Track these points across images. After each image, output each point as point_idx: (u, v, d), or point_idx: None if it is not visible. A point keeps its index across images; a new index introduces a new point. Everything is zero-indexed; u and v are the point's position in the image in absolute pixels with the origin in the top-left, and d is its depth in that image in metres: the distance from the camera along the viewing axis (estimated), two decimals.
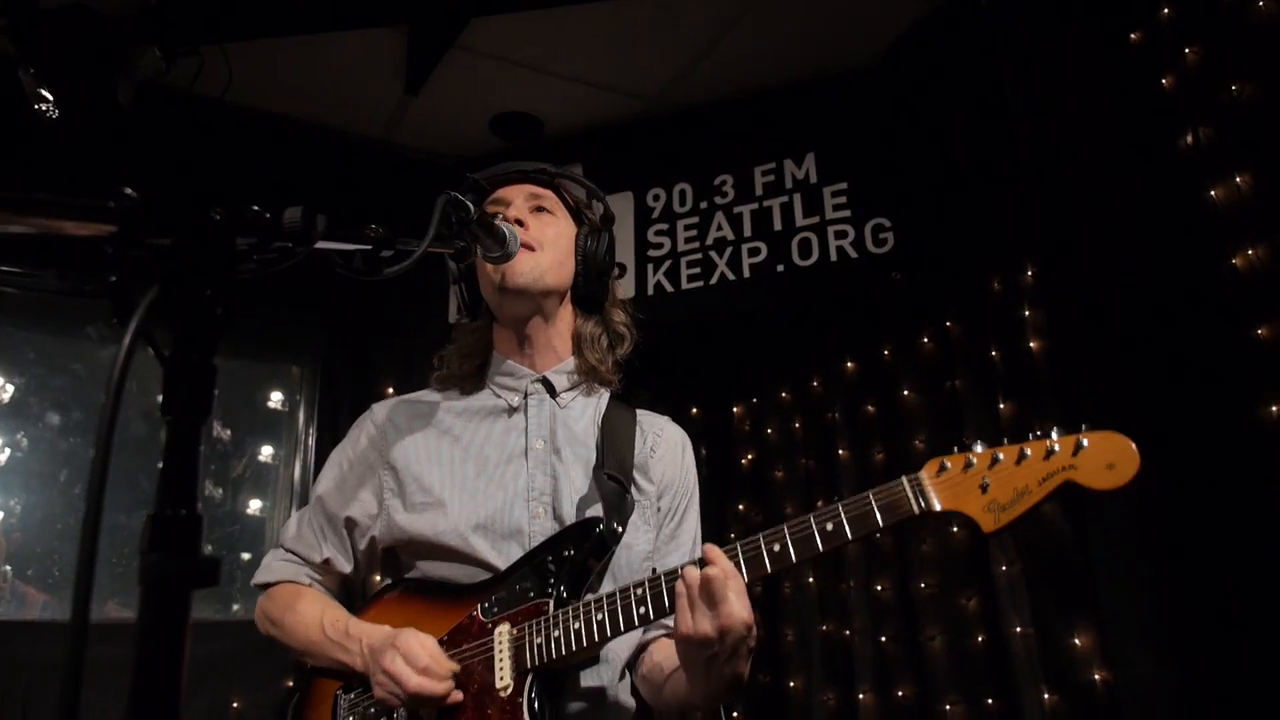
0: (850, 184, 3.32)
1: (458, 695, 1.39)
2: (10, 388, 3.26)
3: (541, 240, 1.62)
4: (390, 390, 3.69)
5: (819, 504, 3.44)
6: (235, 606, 3.46)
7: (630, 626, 1.34)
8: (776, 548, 1.27)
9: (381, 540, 1.61)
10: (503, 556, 1.50)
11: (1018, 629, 2.56)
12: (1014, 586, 2.59)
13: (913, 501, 1.21)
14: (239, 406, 3.69)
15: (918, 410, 3.06)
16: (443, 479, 1.56)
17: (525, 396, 1.62)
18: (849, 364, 3.39)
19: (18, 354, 3.29)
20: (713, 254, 3.46)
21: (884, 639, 3.04)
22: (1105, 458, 1.14)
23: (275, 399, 3.77)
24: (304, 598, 1.61)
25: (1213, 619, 2.18)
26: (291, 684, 3.05)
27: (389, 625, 1.51)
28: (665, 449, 1.66)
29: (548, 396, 1.63)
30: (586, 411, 1.65)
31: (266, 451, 3.72)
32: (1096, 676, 2.36)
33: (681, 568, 1.29)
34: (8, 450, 3.22)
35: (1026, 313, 2.68)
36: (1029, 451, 1.17)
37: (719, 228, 3.50)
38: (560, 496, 1.54)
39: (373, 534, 1.61)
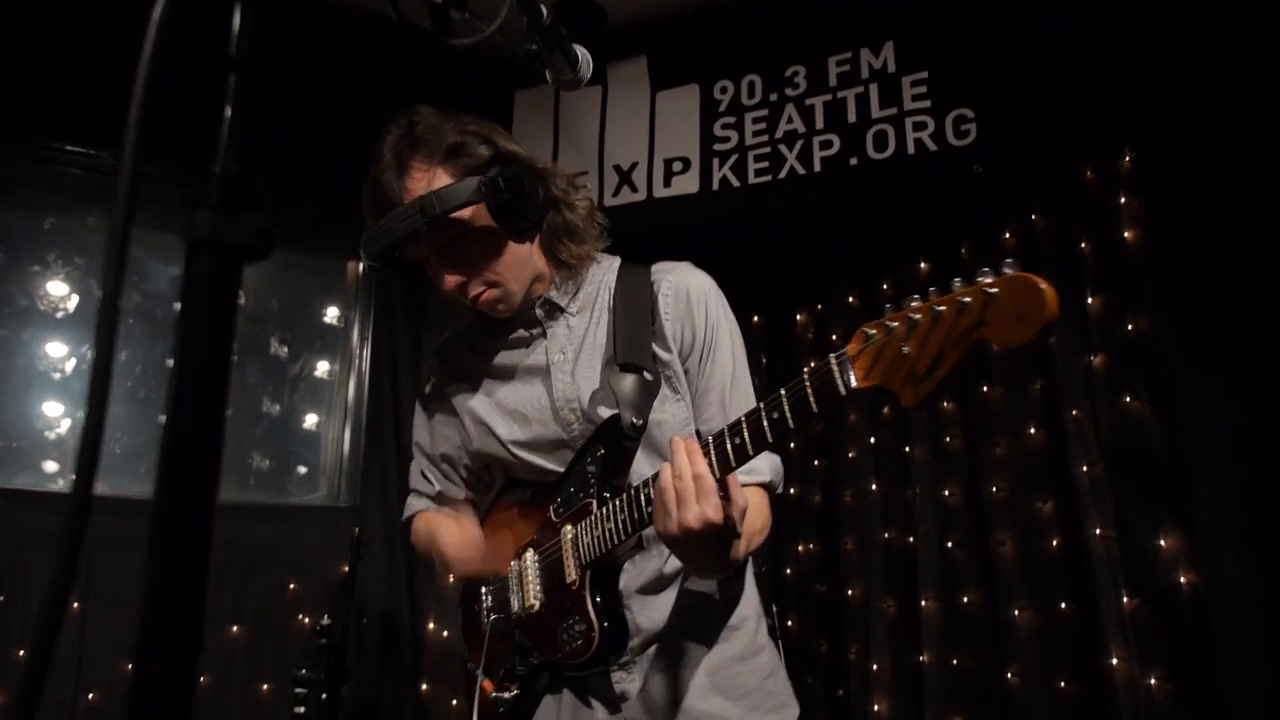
0: (931, 73, 3.13)
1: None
2: (75, 298, 3.25)
3: (487, 275, 1.58)
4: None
5: (883, 411, 3.34)
6: (292, 500, 3.47)
7: (645, 524, 1.39)
8: (737, 440, 1.26)
9: (473, 465, 1.77)
10: (559, 462, 1.62)
11: (1097, 531, 2.44)
12: (1096, 488, 2.46)
13: (839, 380, 1.13)
14: (296, 322, 3.66)
15: None
16: (488, 407, 1.68)
17: (541, 324, 1.67)
18: (923, 264, 3.24)
19: (80, 237, 3.28)
20: (782, 147, 3.31)
21: (950, 545, 2.93)
22: (1014, 307, 0.97)
23: (331, 314, 3.74)
24: (423, 530, 1.82)
25: None
26: (346, 568, 3.04)
27: (498, 533, 1.72)
28: (673, 305, 1.62)
29: (557, 313, 1.67)
30: (600, 298, 1.67)
31: (323, 367, 3.70)
32: (1183, 579, 2.24)
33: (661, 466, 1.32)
34: (74, 360, 3.23)
35: (1122, 200, 2.51)
36: (942, 309, 1.02)
37: (789, 120, 3.34)
38: (585, 400, 1.59)
39: (465, 462, 1.77)
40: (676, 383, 1.60)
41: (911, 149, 3.08)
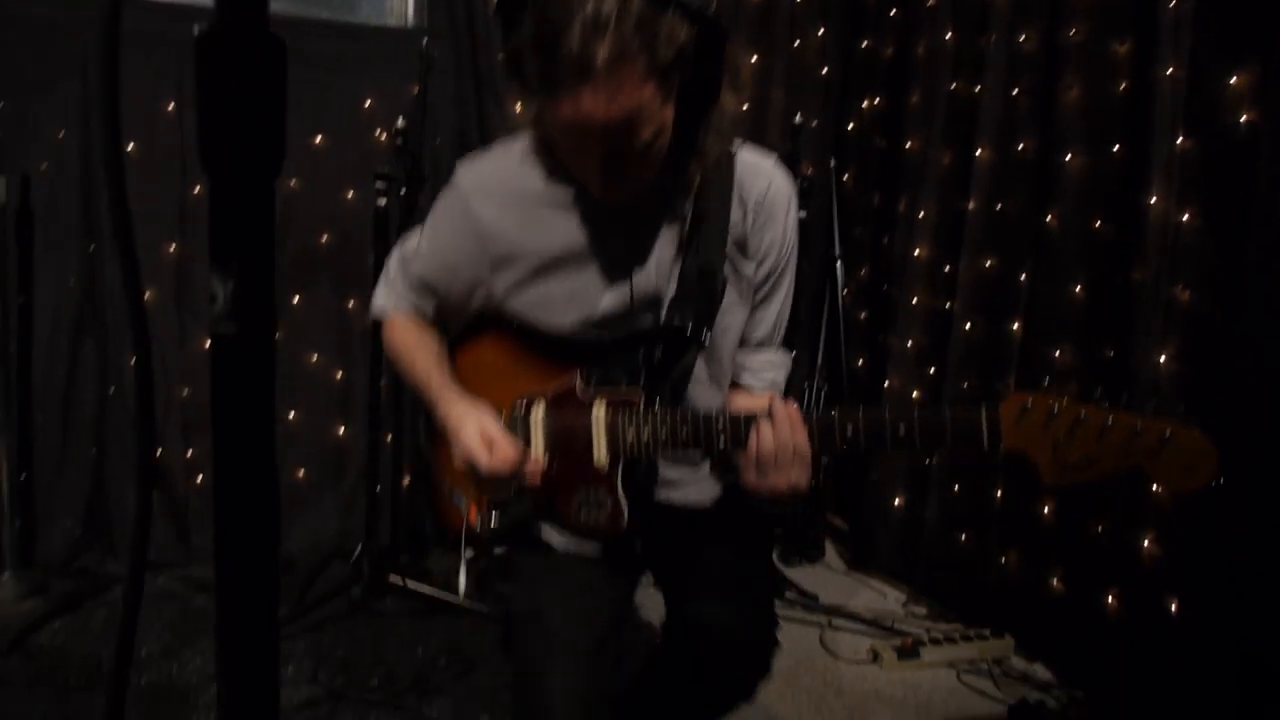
0: None
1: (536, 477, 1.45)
2: None
3: (649, 166, 1.32)
4: None
5: None
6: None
7: (710, 452, 1.46)
8: (849, 430, 1.30)
9: (486, 309, 1.60)
10: (602, 335, 1.51)
11: (1169, 71, 2.37)
12: (1179, 25, 2.34)
13: (985, 438, 1.22)
14: None
15: None
16: (536, 269, 1.50)
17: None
18: None
19: None
20: None
21: (1015, 92, 2.89)
22: (1184, 459, 1.12)
23: None
24: (409, 344, 1.64)
25: None
26: (417, 88, 3.10)
27: (488, 366, 1.60)
28: (768, 216, 1.50)
29: (646, 199, 1.43)
30: (678, 180, 1.45)
31: None
32: (1243, 119, 2.22)
33: (758, 424, 1.34)
34: None
35: None
36: (1111, 424, 1.15)
37: None
38: (661, 295, 1.50)
39: (476, 307, 1.60)
40: (745, 290, 1.53)
41: None
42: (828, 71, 3.70)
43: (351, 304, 3.31)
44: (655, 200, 1.46)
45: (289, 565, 3.16)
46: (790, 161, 3.25)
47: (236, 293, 0.63)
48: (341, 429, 3.38)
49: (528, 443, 1.49)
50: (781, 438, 1.31)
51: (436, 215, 1.59)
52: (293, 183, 3.19)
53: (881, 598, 3.34)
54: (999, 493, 2.91)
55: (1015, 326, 2.86)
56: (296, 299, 3.28)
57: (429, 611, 2.93)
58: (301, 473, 3.35)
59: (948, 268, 3.16)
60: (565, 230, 1.48)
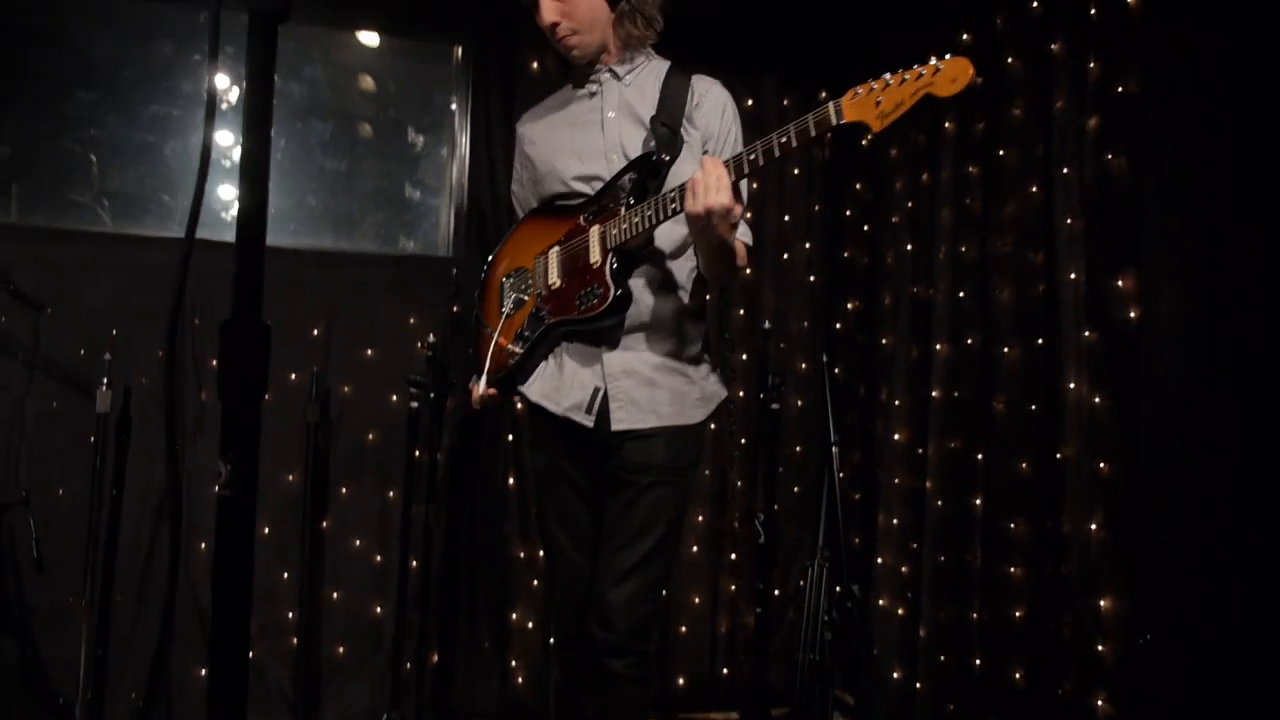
0: None
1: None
2: (235, 89, 3.81)
3: (575, 24, 2.16)
4: (535, 65, 4.01)
5: (922, 178, 3.64)
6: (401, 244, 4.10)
7: (666, 216, 2.01)
8: (752, 156, 1.87)
9: (538, 196, 2.37)
10: (594, 189, 2.21)
11: (1072, 276, 2.77)
12: (1073, 239, 2.77)
13: (833, 115, 1.77)
14: (415, 107, 4.13)
15: None
16: (555, 149, 2.28)
17: (600, 84, 2.25)
18: (965, 35, 3.41)
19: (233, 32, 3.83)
20: None
21: (961, 295, 3.31)
22: (951, 75, 1.63)
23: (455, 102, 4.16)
24: None
25: (1245, 267, 2.33)
26: (455, 308, 3.67)
27: (524, 239, 2.35)
28: (708, 105, 2.21)
29: (614, 79, 2.24)
30: (650, 81, 2.22)
31: (444, 151, 4.17)
32: (1132, 315, 2.58)
33: (694, 175, 1.90)
34: (239, 149, 3.84)
35: None
36: (907, 76, 1.68)
37: None
38: (628, 148, 2.19)
39: (530, 195, 2.39)
40: (697, 153, 2.16)
41: None
42: (815, 279, 4.19)
43: (391, 494, 3.73)
44: (631, 89, 2.23)
45: None
46: (781, 359, 3.73)
47: (232, 471, 1.04)
48: (379, 608, 3.72)
49: (550, 274, 2.22)
50: (709, 173, 1.86)
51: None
52: (345, 389, 3.71)
53: None
54: (977, 660, 3.10)
55: (977, 502, 3.13)
56: (344, 490, 3.72)
57: None
58: (341, 649, 3.67)
59: (920, 450, 3.48)
60: (566, 121, 2.29)
